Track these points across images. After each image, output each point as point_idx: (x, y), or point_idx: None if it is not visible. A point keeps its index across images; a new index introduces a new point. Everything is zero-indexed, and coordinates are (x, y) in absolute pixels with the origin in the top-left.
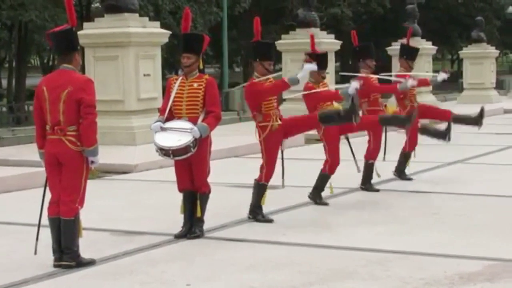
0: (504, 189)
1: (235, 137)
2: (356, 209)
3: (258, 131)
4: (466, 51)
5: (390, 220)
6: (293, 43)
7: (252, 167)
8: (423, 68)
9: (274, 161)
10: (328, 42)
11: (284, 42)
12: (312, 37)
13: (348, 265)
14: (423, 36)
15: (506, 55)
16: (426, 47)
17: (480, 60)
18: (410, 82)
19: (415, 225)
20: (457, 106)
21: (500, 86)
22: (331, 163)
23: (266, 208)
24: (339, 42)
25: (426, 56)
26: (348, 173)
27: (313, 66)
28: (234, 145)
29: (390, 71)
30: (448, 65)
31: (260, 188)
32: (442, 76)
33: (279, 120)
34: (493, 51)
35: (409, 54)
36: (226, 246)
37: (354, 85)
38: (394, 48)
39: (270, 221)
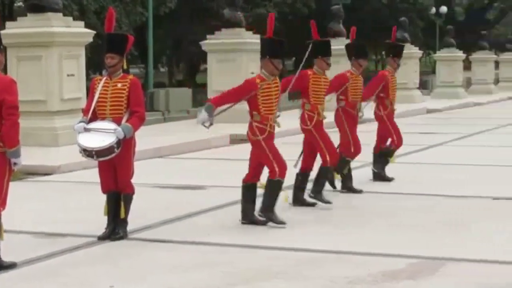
0: (428, 188)
1: (160, 138)
2: (284, 209)
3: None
4: None
5: (319, 220)
6: (218, 43)
7: (176, 168)
8: (346, 67)
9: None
10: (253, 42)
11: (209, 42)
12: (313, 24)
13: (275, 265)
14: (348, 37)
15: (429, 56)
16: None
17: (403, 61)
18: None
19: (342, 224)
20: None
21: (423, 86)
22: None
23: (191, 208)
24: None
25: None
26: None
27: None
28: (159, 146)
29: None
30: (373, 65)
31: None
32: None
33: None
34: (416, 51)
35: (396, 52)
36: (150, 247)
37: None
38: None
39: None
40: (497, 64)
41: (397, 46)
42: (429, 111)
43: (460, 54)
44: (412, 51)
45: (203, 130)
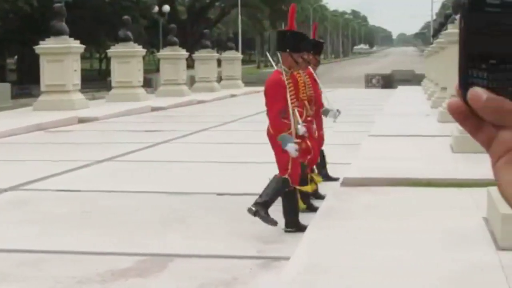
0: (154, 186)
1: None
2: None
3: None
4: (114, 50)
5: (44, 219)
6: None
7: None
8: (72, 66)
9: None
10: None
11: None
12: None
13: None
14: (71, 35)
15: (153, 54)
16: (74, 45)
17: (127, 59)
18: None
19: (67, 224)
20: (106, 104)
21: (147, 84)
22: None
23: None
24: None
25: (74, 55)
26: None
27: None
28: None
29: (33, 70)
30: (96, 63)
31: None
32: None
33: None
34: (140, 50)
35: (316, 49)
36: None
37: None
38: (42, 47)
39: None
40: (219, 62)
41: (318, 43)
42: (153, 109)
43: (183, 53)
44: (135, 50)
45: None
